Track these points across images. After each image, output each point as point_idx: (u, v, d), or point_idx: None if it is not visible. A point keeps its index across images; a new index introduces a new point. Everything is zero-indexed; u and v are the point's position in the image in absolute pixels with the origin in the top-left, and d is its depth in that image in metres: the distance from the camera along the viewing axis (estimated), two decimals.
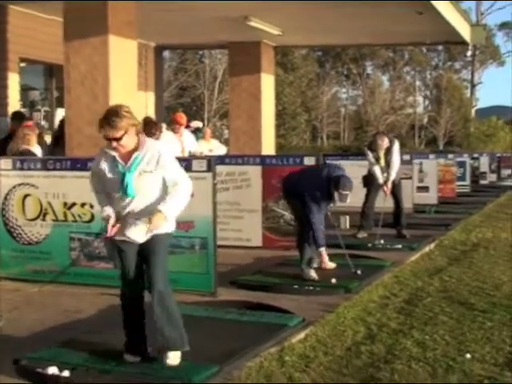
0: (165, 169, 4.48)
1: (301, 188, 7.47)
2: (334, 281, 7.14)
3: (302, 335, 5.33)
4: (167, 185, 4.51)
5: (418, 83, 60.68)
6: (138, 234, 4.52)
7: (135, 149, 4.47)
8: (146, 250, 4.55)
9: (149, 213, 4.44)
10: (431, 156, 17.57)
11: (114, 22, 9.46)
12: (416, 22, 13.28)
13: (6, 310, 6.11)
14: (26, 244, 7.41)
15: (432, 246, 9.94)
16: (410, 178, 13.97)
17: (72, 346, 4.95)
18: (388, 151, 10.55)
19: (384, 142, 10.55)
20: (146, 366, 4.50)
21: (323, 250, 7.57)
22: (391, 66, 57.63)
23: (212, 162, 6.75)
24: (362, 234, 10.62)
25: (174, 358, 4.49)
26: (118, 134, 4.36)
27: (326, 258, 7.73)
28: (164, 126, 11.99)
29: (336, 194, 7.28)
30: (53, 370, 4.38)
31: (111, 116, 4.38)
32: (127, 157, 4.47)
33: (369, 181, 10.74)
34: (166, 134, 10.62)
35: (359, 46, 40.25)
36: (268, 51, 16.96)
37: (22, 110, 13.06)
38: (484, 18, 59.29)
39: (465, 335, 5.50)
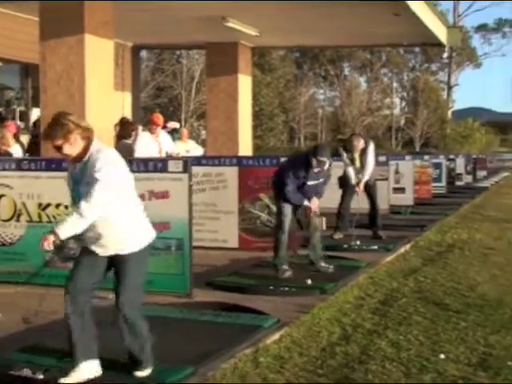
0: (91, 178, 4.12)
1: (282, 172, 7.70)
2: (309, 282, 7.16)
3: (276, 336, 5.34)
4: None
5: (395, 85, 61.07)
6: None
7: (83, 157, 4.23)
8: (115, 266, 4.42)
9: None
10: (407, 157, 17.67)
11: (90, 21, 9.42)
12: (393, 23, 13.36)
13: None
14: (0, 245, 7.35)
15: (407, 246, 10.00)
16: (386, 179, 14.05)
17: (46, 347, 4.92)
18: (363, 152, 10.61)
19: (359, 143, 10.62)
20: (121, 367, 4.48)
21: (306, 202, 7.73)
22: (368, 68, 57.92)
23: (188, 163, 6.75)
24: (338, 235, 10.67)
25: (141, 373, 4.40)
26: (57, 143, 4.17)
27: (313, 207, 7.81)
28: (140, 126, 11.96)
29: (314, 161, 7.48)
30: (26, 373, 4.35)
31: (51, 124, 4.23)
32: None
33: (344, 182, 10.79)
34: (143, 134, 10.60)
35: (337, 48, 40.47)
36: (245, 52, 16.97)
37: None
38: (461, 20, 59.84)
39: (439, 335, 5.54)
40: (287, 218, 7.77)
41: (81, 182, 4.23)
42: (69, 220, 4.21)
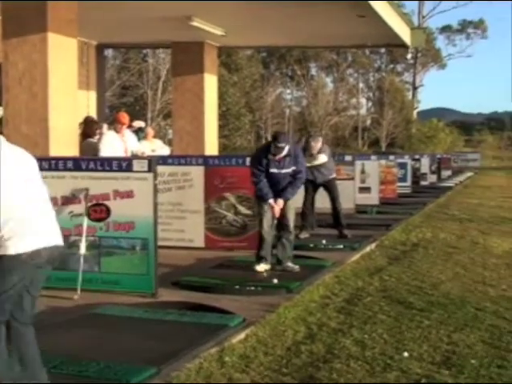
0: None
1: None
2: (275, 281, 7.17)
3: (242, 335, 5.33)
4: None
5: (361, 85, 61.46)
6: None
7: None
8: None
9: None
10: (373, 157, 17.80)
11: (53, 19, 9.30)
12: (358, 24, 13.43)
13: None
14: None
15: (373, 245, 10.07)
16: (352, 178, 14.16)
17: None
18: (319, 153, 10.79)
19: (317, 145, 10.74)
20: (84, 369, 4.43)
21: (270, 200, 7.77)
22: (335, 68, 58.22)
23: (153, 163, 6.71)
24: (303, 235, 10.69)
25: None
26: None
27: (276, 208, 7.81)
28: (105, 125, 11.86)
29: (272, 147, 7.67)
30: None
31: None
32: None
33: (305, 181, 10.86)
34: (108, 133, 10.52)
35: (303, 48, 40.56)
36: (211, 51, 16.92)
37: None
38: (426, 21, 60.44)
39: (403, 334, 5.57)
40: (264, 216, 7.80)
41: None
42: None
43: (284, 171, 7.78)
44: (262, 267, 7.79)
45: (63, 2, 9.41)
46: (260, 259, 7.84)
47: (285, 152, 7.67)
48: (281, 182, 7.80)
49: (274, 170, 7.75)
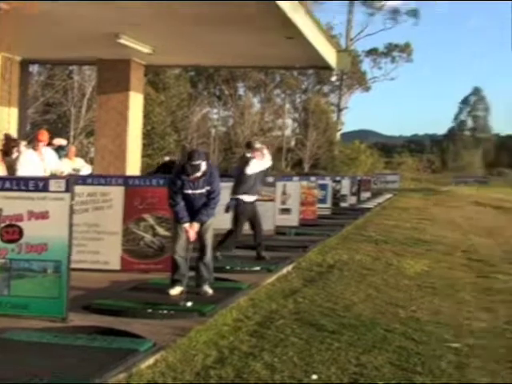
0: None
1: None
2: (189, 304, 7.14)
3: (151, 360, 5.30)
4: None
5: (287, 106, 62.12)
6: None
7: None
8: None
9: None
10: (295, 178, 18.01)
11: None
12: (286, 46, 13.62)
13: None
14: None
15: (289, 267, 10.17)
16: (273, 200, 14.26)
17: None
18: None
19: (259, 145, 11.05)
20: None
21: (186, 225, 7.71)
22: (262, 88, 58.67)
23: (70, 182, 6.62)
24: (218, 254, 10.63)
25: None
26: None
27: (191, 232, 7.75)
28: (23, 143, 11.65)
29: (188, 166, 7.50)
30: None
31: None
32: None
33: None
34: (27, 151, 10.36)
35: (231, 68, 40.78)
36: (138, 69, 16.88)
37: None
38: (353, 43, 61.66)
39: (313, 356, 5.66)
40: (178, 238, 7.74)
41: None
42: None
43: (198, 191, 7.65)
44: (175, 290, 7.71)
45: None
46: (174, 282, 7.77)
47: (201, 171, 7.54)
48: (195, 203, 7.68)
49: (188, 191, 7.64)
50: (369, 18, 67.07)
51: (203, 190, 7.68)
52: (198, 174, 7.56)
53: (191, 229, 7.68)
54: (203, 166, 7.56)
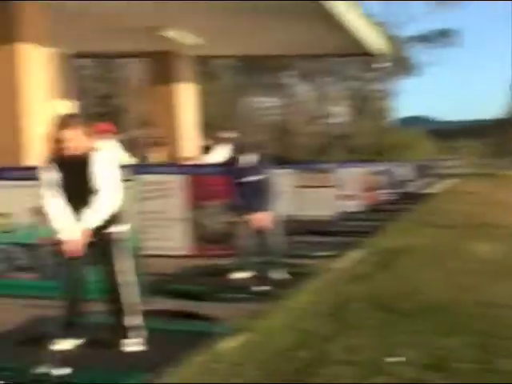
0: None
1: None
2: (261, 288, 7.13)
3: (229, 343, 5.29)
4: None
5: (339, 93, 61.69)
6: None
7: None
8: None
9: None
10: (354, 164, 17.83)
11: (27, 29, 9.26)
12: (332, 33, 13.53)
13: None
14: None
15: (358, 252, 10.04)
16: (333, 186, 14.15)
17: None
18: None
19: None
20: (73, 376, 4.38)
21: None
22: (312, 76, 58.41)
23: (135, 171, 6.70)
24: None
25: None
26: None
27: None
28: None
29: (239, 157, 7.71)
30: None
31: None
32: None
33: None
34: None
35: (279, 57, 40.64)
36: (187, 61, 16.91)
37: None
38: (400, 30, 60.86)
39: (391, 339, 5.54)
40: (241, 225, 7.79)
41: None
42: None
43: (251, 179, 7.72)
44: (243, 274, 7.79)
45: (36, 12, 9.34)
46: (242, 266, 7.83)
47: (251, 161, 7.67)
48: (251, 192, 7.71)
49: (242, 180, 7.75)
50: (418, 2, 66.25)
51: (255, 179, 7.73)
52: (249, 164, 7.64)
53: (252, 217, 7.71)
54: (253, 156, 7.64)
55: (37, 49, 9.46)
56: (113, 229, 5.10)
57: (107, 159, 5.02)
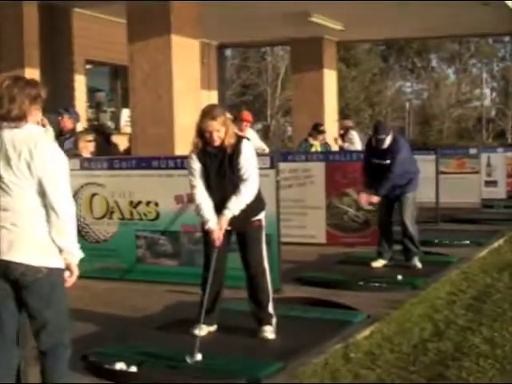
0: None
1: None
2: (400, 277, 7.05)
3: (367, 332, 5.28)
4: None
5: (484, 75, 59.36)
6: None
7: None
8: None
9: None
10: (499, 149, 17.12)
11: (176, 21, 9.54)
12: (481, 12, 13.04)
13: (75, 306, 6.23)
14: (94, 242, 7.55)
15: (501, 241, 9.70)
16: (478, 172, 13.71)
17: (139, 341, 5.03)
18: None
19: None
20: (211, 362, 4.53)
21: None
22: (457, 59, 56.54)
23: (275, 159, 6.76)
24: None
25: None
26: None
27: None
28: None
29: (373, 140, 7.63)
30: (120, 366, 4.45)
31: None
32: None
33: None
34: None
35: (423, 39, 39.65)
36: (330, 47, 16.92)
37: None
38: None
39: None
40: (380, 212, 7.77)
41: None
42: None
43: (384, 162, 7.58)
44: (378, 263, 7.79)
45: (186, 2, 9.63)
46: (379, 255, 7.86)
47: (386, 143, 7.53)
48: (381, 174, 7.59)
49: (376, 161, 7.67)
50: None
51: (388, 162, 7.58)
52: (384, 147, 7.53)
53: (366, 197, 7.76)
54: (388, 139, 7.52)
55: (186, 40, 9.74)
56: (253, 217, 5.20)
57: (251, 149, 5.14)
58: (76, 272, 3.58)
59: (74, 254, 3.55)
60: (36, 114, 3.51)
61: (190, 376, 4.34)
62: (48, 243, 3.43)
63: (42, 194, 3.39)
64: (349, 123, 13.94)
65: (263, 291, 5.21)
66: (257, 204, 5.19)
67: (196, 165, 5.14)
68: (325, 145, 11.90)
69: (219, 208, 5.07)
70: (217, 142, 5.01)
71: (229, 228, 5.11)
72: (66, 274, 3.54)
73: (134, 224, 7.33)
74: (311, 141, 11.70)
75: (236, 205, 5.04)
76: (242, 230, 5.20)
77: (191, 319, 5.27)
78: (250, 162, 5.06)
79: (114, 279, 7.27)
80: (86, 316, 5.92)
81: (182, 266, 7.07)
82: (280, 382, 4.29)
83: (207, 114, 5.03)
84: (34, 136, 3.43)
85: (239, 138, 5.13)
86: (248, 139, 5.28)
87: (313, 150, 11.43)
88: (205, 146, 5.08)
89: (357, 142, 12.68)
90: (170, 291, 6.70)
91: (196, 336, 4.78)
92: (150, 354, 4.70)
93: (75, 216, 3.54)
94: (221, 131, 4.99)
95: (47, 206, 3.40)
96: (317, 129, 11.86)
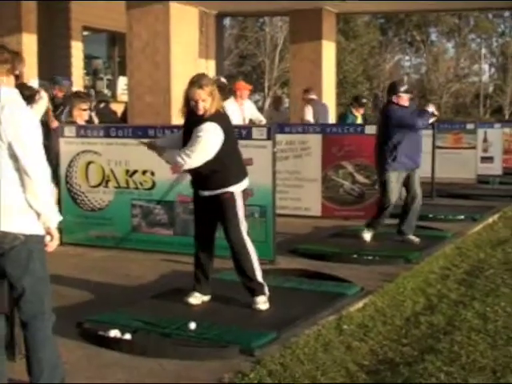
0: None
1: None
2: (393, 251, 7.08)
3: (360, 304, 5.32)
4: None
5: (483, 51, 59.10)
6: None
7: None
8: None
9: None
10: (496, 125, 17.10)
11: None
12: None
13: (71, 274, 6.26)
14: (89, 210, 7.55)
15: (495, 217, 9.72)
16: (474, 147, 13.70)
17: (133, 309, 5.06)
18: None
19: None
20: (205, 332, 4.55)
21: None
22: (456, 33, 56.23)
23: (272, 131, 6.73)
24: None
25: None
26: None
27: None
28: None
29: (394, 97, 7.56)
30: (115, 333, 4.48)
31: None
32: None
33: None
34: (228, 101, 10.62)
35: (423, 12, 39.40)
36: (329, 18, 16.77)
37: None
38: None
39: None
40: (393, 187, 7.56)
41: None
42: None
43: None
44: (370, 235, 7.70)
45: None
46: (369, 227, 7.74)
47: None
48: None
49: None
50: None
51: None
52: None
53: None
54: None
55: (185, 7, 9.65)
56: (221, 188, 5.12)
57: (211, 127, 4.94)
58: (56, 236, 3.47)
59: (51, 218, 3.41)
60: (7, 78, 3.40)
61: (185, 344, 4.37)
62: (25, 209, 3.35)
63: (15, 158, 3.32)
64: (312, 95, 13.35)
65: (246, 262, 5.16)
66: (223, 175, 5.10)
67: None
68: (363, 116, 11.92)
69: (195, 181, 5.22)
70: (201, 112, 4.99)
71: (205, 194, 5.12)
72: (47, 238, 3.46)
73: (130, 193, 7.32)
74: (355, 112, 11.70)
75: (181, 152, 5.04)
76: (213, 199, 5.14)
77: (185, 288, 5.31)
78: (198, 137, 4.94)
79: (109, 247, 7.29)
80: (81, 284, 5.95)
81: (177, 236, 7.09)
82: (273, 352, 4.32)
83: (195, 82, 5.01)
84: (1, 99, 3.34)
85: (215, 114, 5.02)
86: (226, 117, 5.20)
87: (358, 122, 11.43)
88: (190, 114, 5.06)
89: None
90: (165, 260, 6.73)
91: (190, 304, 4.79)
92: (144, 321, 4.73)
93: (50, 179, 3.44)
94: (206, 101, 4.96)
95: (20, 169, 3.32)
96: (358, 101, 11.83)
